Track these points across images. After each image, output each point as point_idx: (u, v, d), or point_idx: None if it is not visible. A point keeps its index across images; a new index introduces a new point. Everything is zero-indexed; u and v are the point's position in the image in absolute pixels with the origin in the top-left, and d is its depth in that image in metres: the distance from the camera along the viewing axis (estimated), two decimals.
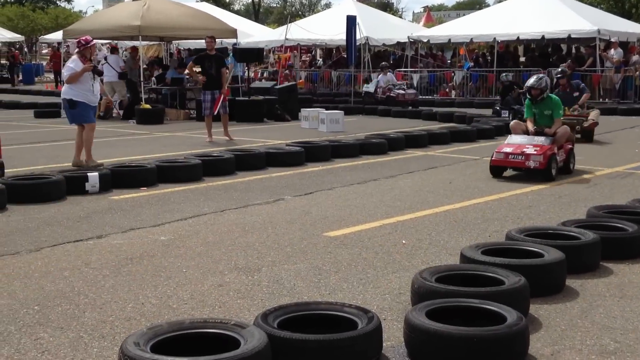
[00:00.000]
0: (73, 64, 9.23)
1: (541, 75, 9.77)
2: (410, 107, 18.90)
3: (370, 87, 20.88)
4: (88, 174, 7.82)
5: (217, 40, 14.84)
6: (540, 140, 8.85)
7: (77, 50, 9.43)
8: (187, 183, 8.33)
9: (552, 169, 8.66)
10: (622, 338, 3.79)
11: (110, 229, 6.20)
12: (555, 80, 13.72)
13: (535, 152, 8.61)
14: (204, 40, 13.86)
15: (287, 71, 22.53)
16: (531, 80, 9.30)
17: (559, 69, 14.10)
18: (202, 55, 13.25)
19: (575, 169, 9.40)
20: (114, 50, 19.41)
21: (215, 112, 12.73)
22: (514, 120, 10.28)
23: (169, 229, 6.17)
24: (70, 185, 7.63)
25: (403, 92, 20.10)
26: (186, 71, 16.32)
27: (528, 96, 9.32)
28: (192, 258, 5.28)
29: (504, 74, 17.74)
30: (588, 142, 12.34)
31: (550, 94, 9.32)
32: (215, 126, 12.83)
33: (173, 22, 17.66)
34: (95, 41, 9.66)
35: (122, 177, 8.16)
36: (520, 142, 8.90)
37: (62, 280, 4.77)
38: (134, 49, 20.16)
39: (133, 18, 16.99)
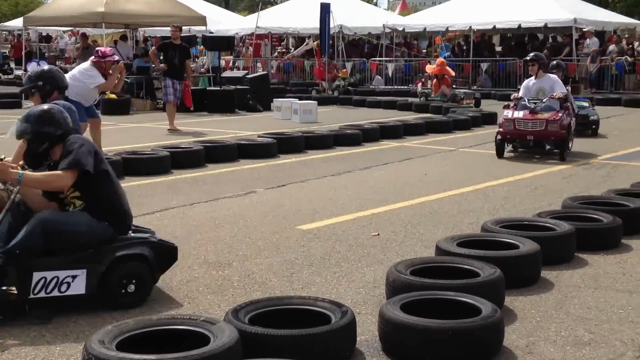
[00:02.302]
0: (93, 72, 8.70)
1: None
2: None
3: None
4: None
5: (185, 27, 14.66)
6: None
7: (92, 59, 9.08)
8: (155, 176, 8.16)
9: None
10: (596, 329, 3.78)
11: None
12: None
13: None
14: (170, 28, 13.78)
15: (325, 59, 20.60)
16: None
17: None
18: (166, 44, 13.22)
19: (551, 160, 9.41)
20: (124, 38, 19.07)
21: (192, 107, 12.85)
22: None
23: (135, 224, 5.99)
24: None
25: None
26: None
27: None
28: None
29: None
30: None
31: None
32: (181, 117, 12.70)
33: (139, 8, 17.30)
34: (116, 57, 9.22)
35: None
36: None
37: None
38: (83, 36, 19.89)
39: (97, 4, 16.63)
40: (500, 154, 9.62)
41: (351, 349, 3.44)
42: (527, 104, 9.45)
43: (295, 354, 3.12)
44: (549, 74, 10.06)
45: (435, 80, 16.20)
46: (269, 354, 3.11)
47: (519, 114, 9.43)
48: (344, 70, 21.99)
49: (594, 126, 12.16)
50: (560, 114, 9.33)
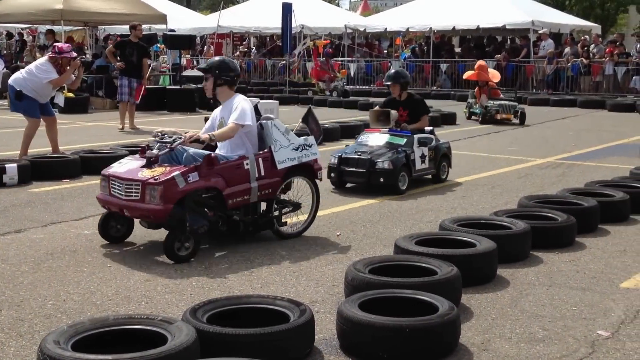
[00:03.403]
0: (47, 67, 8.51)
1: None
2: None
3: None
4: (6, 165, 7.44)
5: (145, 25, 14.55)
6: None
7: (50, 54, 8.83)
8: None
9: None
10: (550, 326, 3.85)
11: (29, 223, 5.91)
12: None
13: None
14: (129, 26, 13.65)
15: (322, 59, 20.22)
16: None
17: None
18: (124, 41, 13.22)
19: (508, 159, 9.55)
20: (50, 32, 18.70)
21: (137, 101, 12.77)
22: None
23: (94, 223, 5.89)
24: None
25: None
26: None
27: None
28: (118, 252, 5.08)
29: None
30: None
31: None
32: (141, 116, 12.55)
33: (98, 6, 17.05)
34: (74, 54, 8.90)
35: (43, 169, 7.81)
36: None
37: None
38: (50, 33, 19.48)
39: (55, 1, 16.31)
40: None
41: (309, 347, 3.44)
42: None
43: (254, 352, 3.10)
44: (238, 94, 5.67)
45: (477, 88, 13.18)
46: (227, 353, 3.09)
47: (133, 165, 5.08)
48: (343, 70, 21.64)
49: (382, 179, 7.15)
50: (179, 170, 4.80)
